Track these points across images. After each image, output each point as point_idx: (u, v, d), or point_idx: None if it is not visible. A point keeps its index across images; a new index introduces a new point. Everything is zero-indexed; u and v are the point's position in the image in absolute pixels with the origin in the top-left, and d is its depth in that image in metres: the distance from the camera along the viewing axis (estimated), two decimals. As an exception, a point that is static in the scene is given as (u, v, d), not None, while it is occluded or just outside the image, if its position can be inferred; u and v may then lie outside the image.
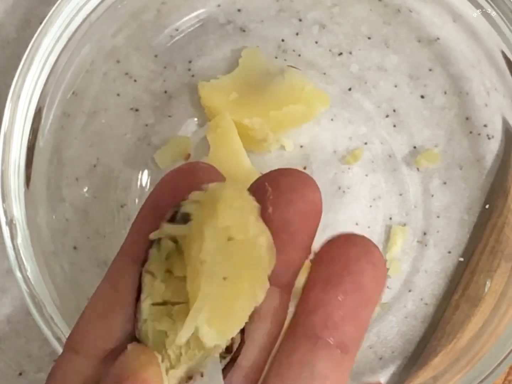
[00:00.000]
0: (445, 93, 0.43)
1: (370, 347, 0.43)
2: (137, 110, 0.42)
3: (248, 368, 0.23)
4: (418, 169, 0.43)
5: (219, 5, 0.43)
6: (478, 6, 0.41)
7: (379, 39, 0.43)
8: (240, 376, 0.23)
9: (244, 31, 0.43)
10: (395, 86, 0.43)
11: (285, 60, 0.43)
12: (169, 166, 0.42)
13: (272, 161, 0.43)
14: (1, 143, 0.38)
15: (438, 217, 0.43)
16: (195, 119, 0.43)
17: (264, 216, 0.22)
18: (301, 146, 0.43)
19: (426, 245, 0.43)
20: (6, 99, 0.38)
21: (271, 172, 0.23)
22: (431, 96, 0.43)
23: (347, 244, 0.23)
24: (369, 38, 0.43)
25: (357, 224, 0.43)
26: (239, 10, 0.43)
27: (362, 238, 0.23)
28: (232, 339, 0.22)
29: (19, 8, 0.42)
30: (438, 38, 0.43)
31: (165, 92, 0.43)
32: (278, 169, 0.23)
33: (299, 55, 0.43)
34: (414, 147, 0.43)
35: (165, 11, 0.42)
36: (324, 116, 0.43)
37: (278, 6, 0.43)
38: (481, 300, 0.42)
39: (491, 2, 0.41)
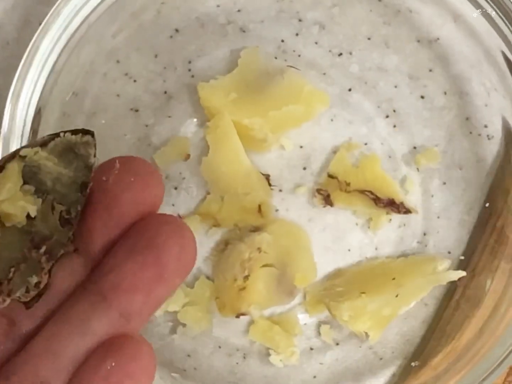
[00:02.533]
0: (445, 93, 0.43)
1: (370, 348, 0.43)
2: (137, 110, 0.42)
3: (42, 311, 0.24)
4: (418, 169, 0.43)
5: (219, 6, 0.43)
6: (478, 6, 0.41)
7: (379, 39, 0.43)
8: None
9: (244, 31, 0.43)
10: (395, 86, 0.43)
11: (285, 60, 0.43)
12: (169, 167, 0.42)
13: (272, 161, 0.43)
14: (1, 144, 0.38)
15: (438, 217, 0.43)
16: (195, 119, 0.43)
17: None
18: (301, 147, 0.43)
19: (426, 246, 0.43)
20: (5, 100, 0.38)
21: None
22: (431, 96, 0.43)
23: (161, 221, 0.23)
24: (369, 38, 0.43)
25: (356, 224, 0.43)
26: (239, 11, 0.43)
27: (179, 220, 0.24)
28: (41, 277, 0.23)
29: (19, 8, 0.42)
30: (438, 39, 0.43)
31: (165, 92, 0.43)
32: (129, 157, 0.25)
33: (299, 56, 0.43)
34: (414, 148, 0.43)
35: (165, 11, 0.42)
36: (324, 117, 0.43)
37: (278, 6, 0.43)
38: (481, 301, 0.42)
39: (491, 2, 0.41)
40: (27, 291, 0.23)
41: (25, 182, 0.24)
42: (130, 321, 0.23)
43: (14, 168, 0.24)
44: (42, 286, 0.23)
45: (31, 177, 0.24)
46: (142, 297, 0.23)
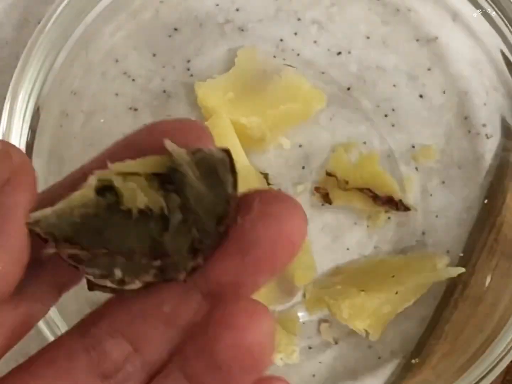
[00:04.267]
0: (444, 92, 0.43)
1: (369, 346, 0.43)
2: (135, 109, 0.42)
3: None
4: (417, 168, 0.43)
5: (217, 5, 0.43)
6: (477, 5, 0.41)
7: (378, 38, 0.43)
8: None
9: (242, 30, 0.43)
10: (394, 85, 0.43)
11: (283, 59, 0.43)
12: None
13: (270, 160, 0.43)
14: None
15: (436, 216, 0.43)
16: (193, 118, 0.43)
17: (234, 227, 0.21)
18: (300, 146, 0.43)
19: (424, 245, 0.43)
20: (4, 99, 0.38)
21: (263, 191, 0.22)
22: (430, 95, 0.43)
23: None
24: (367, 37, 0.43)
25: (355, 222, 0.43)
26: (237, 10, 0.43)
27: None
28: (134, 283, 0.22)
29: (18, 7, 0.42)
30: (437, 38, 0.43)
31: (164, 91, 0.43)
32: (271, 193, 0.22)
33: (298, 55, 0.43)
34: (413, 146, 0.43)
35: (164, 10, 0.42)
36: (323, 115, 0.43)
37: (277, 5, 0.43)
38: (480, 299, 0.42)
39: (490, 1, 0.41)
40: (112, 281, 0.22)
41: (167, 183, 0.22)
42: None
43: (157, 159, 0.22)
44: (126, 288, 0.22)
45: (176, 184, 0.22)
46: None
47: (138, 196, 0.22)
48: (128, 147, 0.22)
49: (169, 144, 0.22)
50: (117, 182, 0.22)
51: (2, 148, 0.20)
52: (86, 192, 0.22)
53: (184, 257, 0.22)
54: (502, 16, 0.41)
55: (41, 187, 0.40)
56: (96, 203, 0.22)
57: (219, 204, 0.22)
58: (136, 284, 0.22)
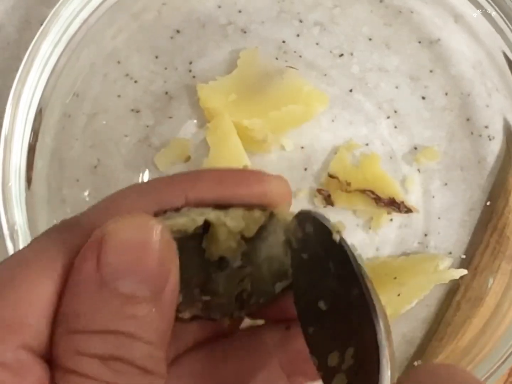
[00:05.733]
0: (446, 94, 0.43)
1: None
2: (137, 111, 0.42)
3: None
4: (419, 170, 0.43)
5: (219, 6, 0.43)
6: (479, 7, 0.41)
7: (380, 40, 0.43)
8: None
9: (245, 32, 0.43)
10: (396, 87, 0.43)
11: (286, 61, 0.43)
12: (169, 168, 0.42)
13: (272, 162, 0.43)
14: (2, 144, 0.38)
15: (439, 218, 0.43)
16: (195, 120, 0.43)
17: None
18: (302, 147, 0.43)
19: (427, 247, 0.43)
20: (6, 101, 0.38)
21: None
22: (432, 97, 0.43)
23: None
24: (370, 39, 0.43)
25: (357, 225, 0.43)
26: (240, 11, 0.43)
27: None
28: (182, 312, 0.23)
29: (20, 9, 0.42)
30: (439, 39, 0.43)
31: (166, 93, 0.43)
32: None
33: (300, 56, 0.43)
34: (415, 148, 0.43)
35: (166, 12, 0.42)
36: (325, 117, 0.43)
37: (279, 7, 0.43)
38: (482, 301, 0.42)
39: (492, 3, 0.41)
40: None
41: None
42: None
43: (260, 216, 0.23)
44: (179, 316, 0.23)
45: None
46: None
47: (227, 241, 0.23)
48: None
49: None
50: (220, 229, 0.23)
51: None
52: (188, 224, 0.22)
53: (231, 302, 0.23)
54: (504, 18, 0.41)
55: (44, 188, 0.40)
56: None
57: (285, 271, 0.23)
58: (186, 315, 0.22)
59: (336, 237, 0.22)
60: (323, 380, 0.23)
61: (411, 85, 0.43)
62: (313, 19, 0.43)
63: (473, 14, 0.42)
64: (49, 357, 0.20)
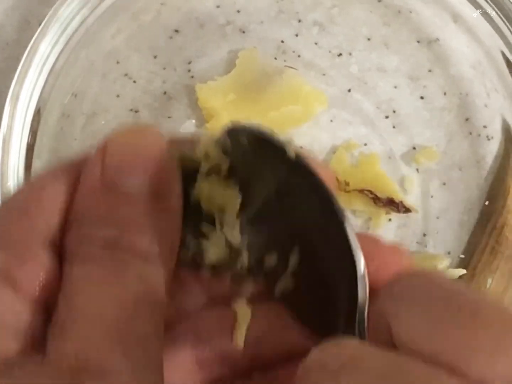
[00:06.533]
0: (445, 94, 0.43)
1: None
2: (136, 111, 0.42)
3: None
4: (417, 170, 0.43)
5: (218, 6, 0.43)
6: (478, 6, 0.41)
7: (379, 40, 0.43)
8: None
9: (243, 32, 0.43)
10: (395, 87, 0.43)
11: (284, 61, 0.43)
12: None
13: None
14: (0, 144, 0.38)
15: (437, 218, 0.43)
16: (193, 120, 0.43)
17: None
18: (301, 147, 0.43)
19: (425, 246, 0.43)
20: (5, 101, 0.38)
21: None
22: (431, 97, 0.43)
23: None
24: (369, 39, 0.43)
25: (356, 225, 0.43)
26: (238, 11, 0.43)
27: None
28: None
29: (18, 9, 0.42)
30: (438, 39, 0.43)
31: (165, 93, 0.43)
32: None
33: (299, 56, 0.43)
34: (414, 148, 0.43)
35: (165, 12, 0.42)
36: (324, 117, 0.43)
37: (278, 7, 0.43)
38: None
39: (491, 3, 0.41)
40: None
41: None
42: None
43: None
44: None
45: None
46: None
47: None
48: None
49: None
50: None
51: None
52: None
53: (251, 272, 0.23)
54: (503, 19, 0.41)
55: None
56: None
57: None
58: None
59: (292, 154, 0.21)
60: (266, 288, 0.24)
61: (410, 85, 0.43)
62: (312, 19, 0.43)
63: (473, 14, 0.42)
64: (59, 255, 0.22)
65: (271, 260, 0.23)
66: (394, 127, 0.43)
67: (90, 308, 0.20)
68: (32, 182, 0.24)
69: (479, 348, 0.17)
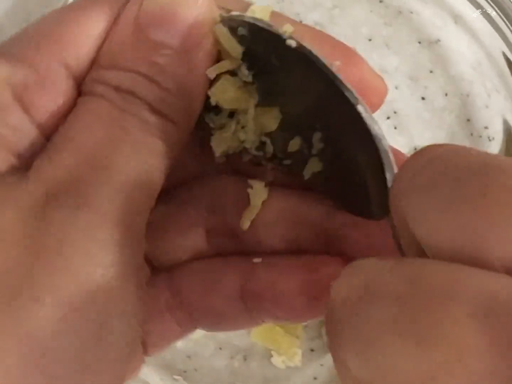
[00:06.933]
0: (446, 94, 0.43)
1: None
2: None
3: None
4: (418, 170, 0.43)
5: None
6: (478, 7, 0.41)
7: (380, 40, 0.43)
8: None
9: (244, 32, 0.43)
10: (396, 87, 0.43)
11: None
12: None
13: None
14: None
15: (438, 219, 0.43)
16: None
17: None
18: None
19: (426, 247, 0.43)
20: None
21: None
22: (431, 97, 0.43)
23: None
24: (369, 39, 0.43)
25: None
26: (239, 12, 0.43)
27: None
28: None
29: (19, 9, 0.42)
30: (438, 40, 0.43)
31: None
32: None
33: (300, 57, 0.43)
34: (415, 149, 0.43)
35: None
36: (325, 118, 0.43)
37: (279, 7, 0.43)
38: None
39: (491, 3, 0.41)
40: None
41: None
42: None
43: None
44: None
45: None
46: None
47: None
48: None
49: None
50: None
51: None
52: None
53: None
54: (504, 19, 0.41)
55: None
56: None
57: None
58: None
59: (291, 43, 0.21)
60: (291, 170, 0.24)
61: (411, 85, 0.43)
62: (313, 20, 0.43)
63: (473, 14, 0.42)
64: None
65: (296, 144, 0.23)
66: (395, 127, 0.43)
67: (82, 138, 0.20)
68: (75, 4, 0.24)
69: (497, 231, 0.15)
